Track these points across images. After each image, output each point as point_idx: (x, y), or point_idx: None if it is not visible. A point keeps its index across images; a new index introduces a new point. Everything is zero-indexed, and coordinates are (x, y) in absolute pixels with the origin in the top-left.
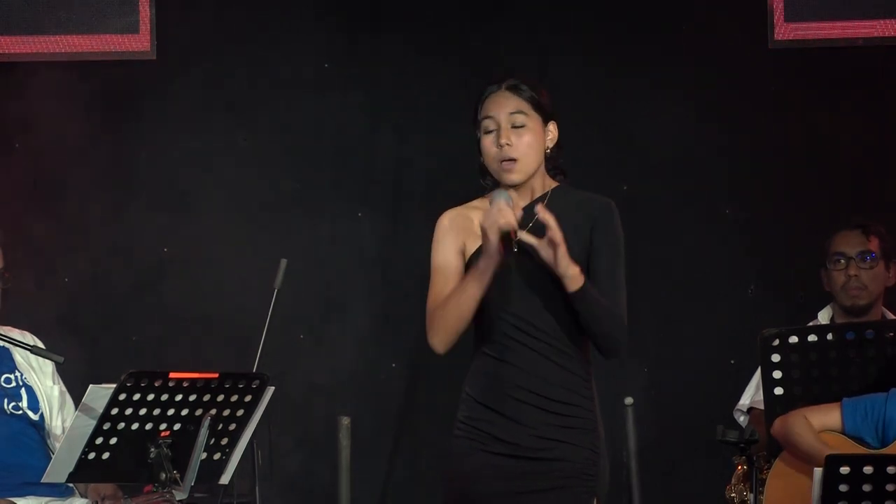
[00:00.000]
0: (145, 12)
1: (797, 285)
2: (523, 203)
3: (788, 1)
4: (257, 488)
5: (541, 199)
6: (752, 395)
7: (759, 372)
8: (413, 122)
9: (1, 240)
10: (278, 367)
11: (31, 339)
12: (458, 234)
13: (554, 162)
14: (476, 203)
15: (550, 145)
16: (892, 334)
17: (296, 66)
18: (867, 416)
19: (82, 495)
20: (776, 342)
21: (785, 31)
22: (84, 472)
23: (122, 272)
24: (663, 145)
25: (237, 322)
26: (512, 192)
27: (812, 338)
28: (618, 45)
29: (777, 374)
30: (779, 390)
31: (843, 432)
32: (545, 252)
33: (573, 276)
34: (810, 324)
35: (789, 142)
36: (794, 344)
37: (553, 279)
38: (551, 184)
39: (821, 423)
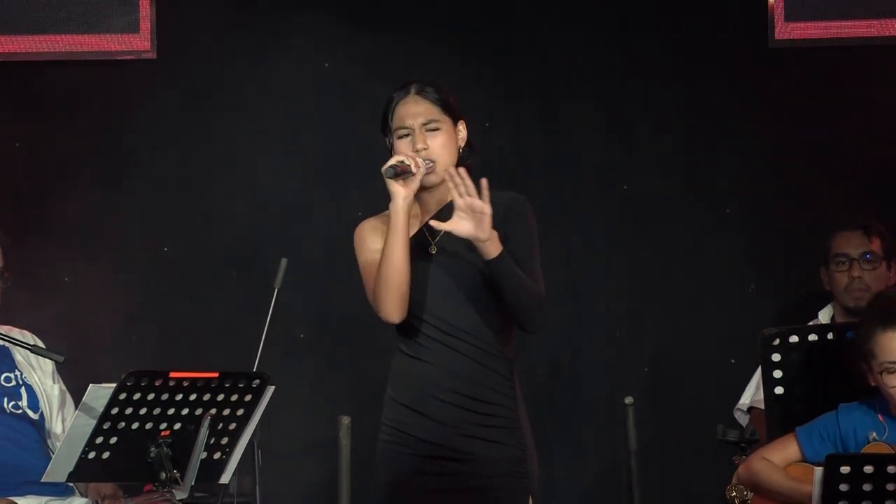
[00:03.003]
0: (145, 11)
1: (797, 285)
2: (436, 206)
3: (788, 1)
4: (257, 488)
5: (451, 202)
6: (752, 394)
7: (759, 371)
8: None
9: (0, 240)
10: (278, 367)
11: (31, 338)
12: (379, 235)
13: (465, 161)
14: (388, 212)
15: (462, 144)
16: None
17: (296, 65)
18: (824, 438)
19: (82, 494)
20: (777, 342)
21: (785, 30)
22: (84, 472)
23: (122, 272)
24: (663, 145)
25: (237, 322)
26: (425, 194)
27: (812, 337)
28: (618, 45)
29: (777, 374)
30: (779, 390)
31: (804, 461)
32: (462, 226)
33: (493, 240)
34: (811, 323)
35: (789, 141)
36: (795, 343)
37: (473, 278)
38: None
39: (782, 458)
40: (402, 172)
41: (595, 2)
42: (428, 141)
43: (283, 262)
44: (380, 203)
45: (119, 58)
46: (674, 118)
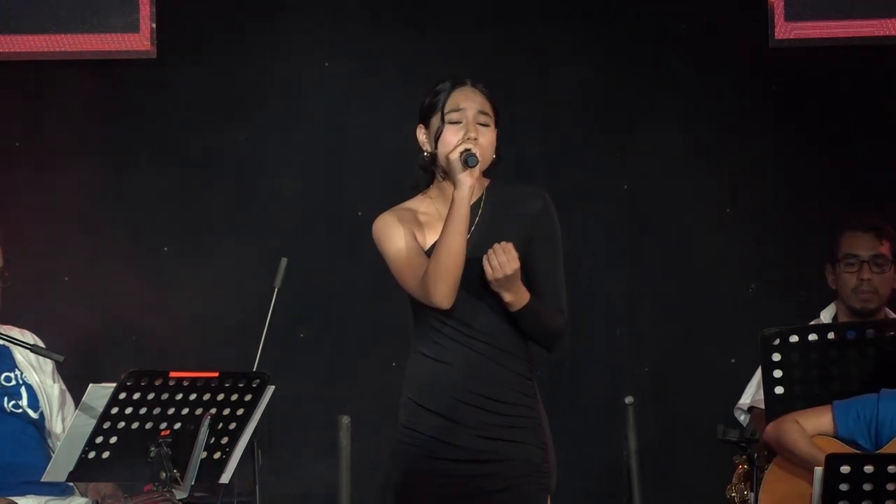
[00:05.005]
0: (145, 11)
1: (798, 284)
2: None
3: (788, 1)
4: (257, 488)
5: (478, 199)
6: (752, 393)
7: (759, 371)
8: (413, 121)
9: (1, 239)
10: (279, 367)
11: (30, 337)
12: (404, 225)
13: (495, 167)
14: (409, 203)
15: (495, 152)
16: (892, 333)
17: (296, 65)
18: (859, 417)
19: (82, 494)
20: (777, 341)
21: (785, 30)
22: (84, 471)
23: (122, 271)
24: (663, 145)
25: (237, 322)
26: (450, 190)
27: (812, 337)
28: (618, 45)
29: (778, 374)
30: (779, 389)
31: (835, 436)
32: (500, 281)
33: (519, 295)
34: (813, 322)
35: (789, 141)
36: (795, 343)
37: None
38: (484, 182)
39: (813, 427)
40: (474, 161)
41: (595, 2)
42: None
43: (283, 261)
44: (380, 202)
45: (119, 58)
46: (674, 118)
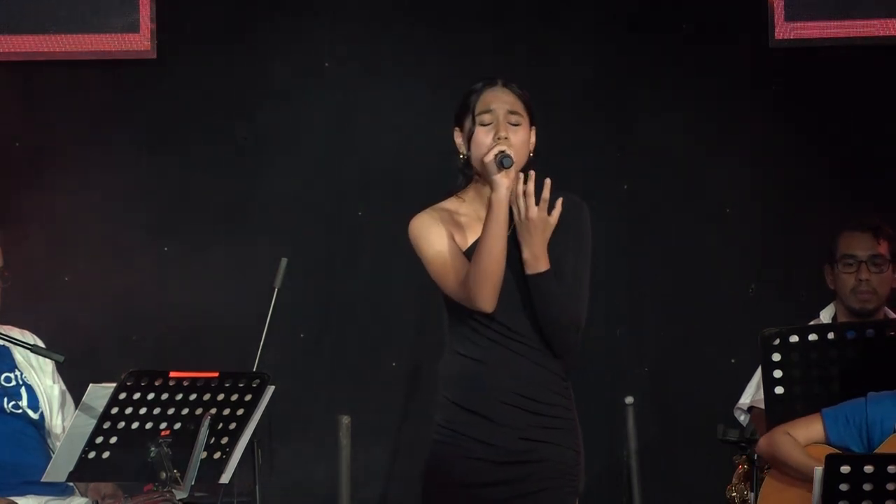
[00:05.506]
0: (146, 11)
1: (798, 284)
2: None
3: (788, 1)
4: (257, 488)
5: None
6: (752, 393)
7: (759, 371)
8: (413, 120)
9: (1, 239)
10: (278, 366)
11: (31, 337)
12: (442, 225)
13: (531, 167)
14: (446, 204)
15: (531, 149)
16: (893, 333)
17: (296, 65)
18: (849, 422)
19: (82, 494)
20: (777, 341)
21: (785, 30)
22: (84, 471)
23: (122, 272)
24: (663, 145)
25: (237, 322)
26: (486, 191)
27: (813, 337)
28: (618, 45)
29: (778, 374)
30: (779, 389)
31: (827, 443)
32: (525, 226)
33: (540, 257)
34: (812, 322)
35: (790, 141)
36: (795, 343)
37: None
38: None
39: (805, 437)
40: (509, 161)
41: (595, 2)
42: (510, 133)
43: (283, 262)
44: (380, 202)
45: (119, 58)
46: (674, 118)
